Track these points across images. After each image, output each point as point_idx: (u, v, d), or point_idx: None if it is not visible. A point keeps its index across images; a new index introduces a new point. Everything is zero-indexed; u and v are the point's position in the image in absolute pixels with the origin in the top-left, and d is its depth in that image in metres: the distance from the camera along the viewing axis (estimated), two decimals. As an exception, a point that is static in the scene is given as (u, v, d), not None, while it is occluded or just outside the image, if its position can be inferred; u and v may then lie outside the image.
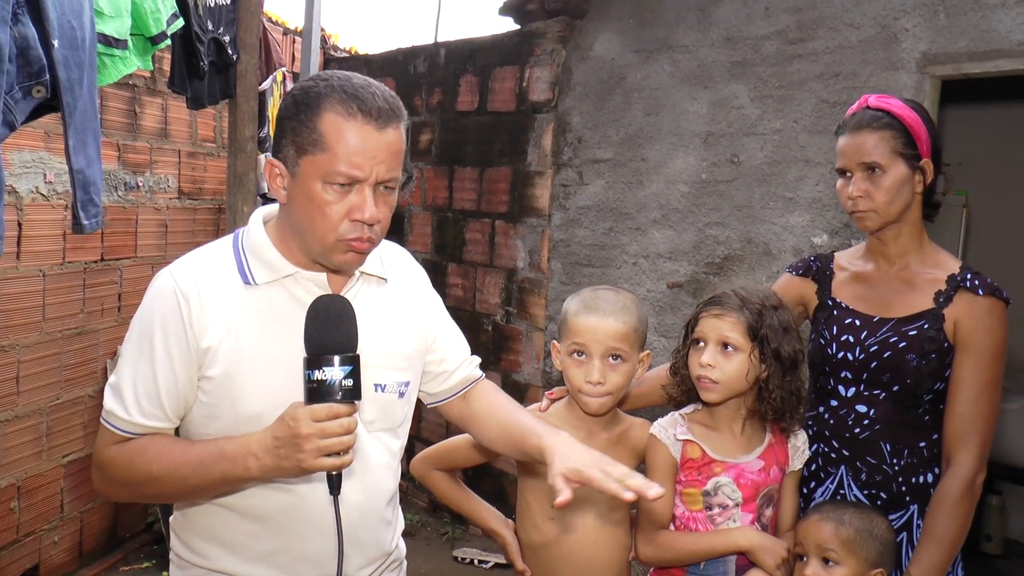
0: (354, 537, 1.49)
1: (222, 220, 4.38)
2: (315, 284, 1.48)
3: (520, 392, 4.13)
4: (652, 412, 2.01)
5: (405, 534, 1.76)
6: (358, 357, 1.34)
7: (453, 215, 4.56)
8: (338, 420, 1.30)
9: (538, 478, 1.87)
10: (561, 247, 4.04)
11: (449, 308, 1.83)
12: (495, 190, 4.33)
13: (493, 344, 4.33)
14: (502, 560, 1.98)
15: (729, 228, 3.45)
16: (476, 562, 4.06)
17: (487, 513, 2.01)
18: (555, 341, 1.92)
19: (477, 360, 1.78)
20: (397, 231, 4.70)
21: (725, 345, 1.81)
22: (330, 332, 1.32)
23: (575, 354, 1.85)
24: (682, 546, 1.85)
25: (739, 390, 1.83)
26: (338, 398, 1.30)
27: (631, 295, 1.92)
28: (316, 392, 1.30)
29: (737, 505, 1.83)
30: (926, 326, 1.85)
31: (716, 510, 1.84)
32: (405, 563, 1.77)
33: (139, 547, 4.10)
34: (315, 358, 1.31)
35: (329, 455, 1.31)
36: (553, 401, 1.98)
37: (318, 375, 1.30)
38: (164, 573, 3.79)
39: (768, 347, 1.79)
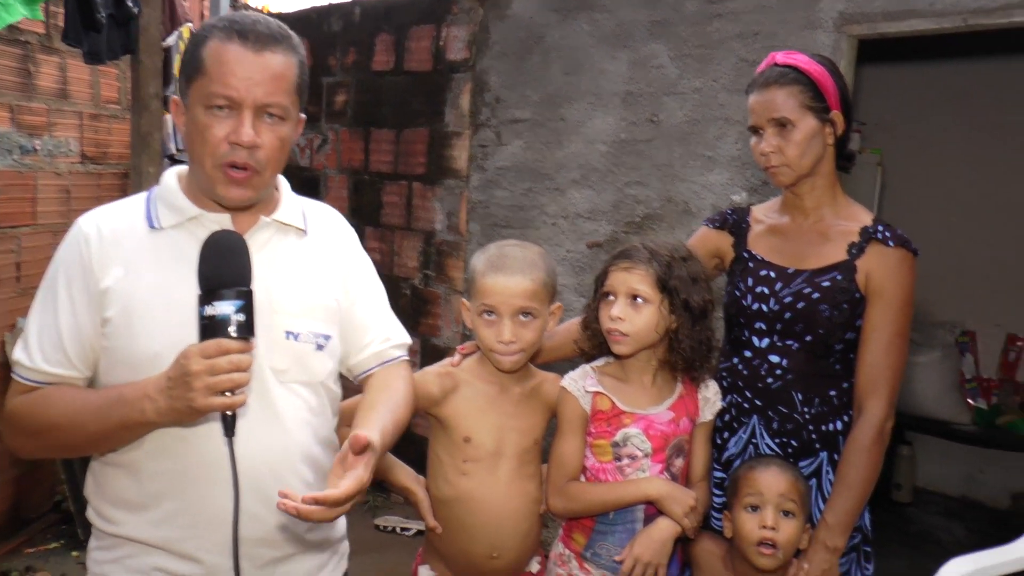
0: (263, 493, 1.46)
1: (129, 185, 4.28)
2: (219, 226, 1.48)
3: (440, 357, 4.13)
4: (564, 367, 2.05)
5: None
6: (250, 292, 1.34)
7: (370, 177, 4.54)
8: (228, 356, 1.29)
9: (448, 432, 1.91)
10: (480, 209, 4.06)
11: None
12: (412, 152, 4.31)
13: (412, 308, 4.34)
14: (423, 527, 1.99)
15: (649, 187, 3.51)
16: (398, 530, 4.10)
17: (398, 470, 2.02)
18: (464, 300, 1.94)
19: (403, 344, 1.76)
20: (313, 194, 4.63)
21: (635, 297, 1.83)
22: (220, 267, 1.33)
23: (485, 314, 1.86)
24: (591, 497, 1.90)
25: (649, 342, 1.86)
26: (231, 334, 1.30)
27: (538, 248, 1.94)
28: (208, 328, 1.31)
29: (646, 456, 1.87)
30: (839, 277, 1.91)
31: (625, 461, 1.88)
32: (347, 546, 1.74)
33: (45, 528, 4.00)
34: (206, 294, 1.32)
35: (222, 394, 1.30)
36: (465, 356, 2.00)
37: (209, 311, 1.30)
38: (73, 553, 3.73)
39: (677, 298, 1.82)
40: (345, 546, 1.75)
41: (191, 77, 1.43)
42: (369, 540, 4.08)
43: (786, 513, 1.83)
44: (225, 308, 1.30)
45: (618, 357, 1.92)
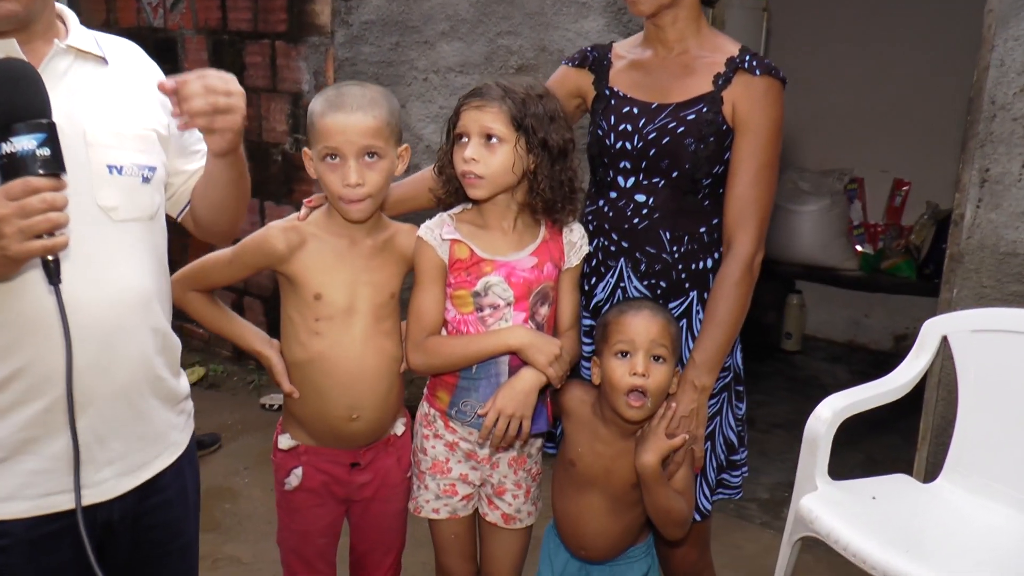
0: (106, 343, 1.40)
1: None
2: (3, 54, 1.34)
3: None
4: (422, 218, 1.95)
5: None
6: (52, 124, 1.23)
7: (229, 37, 4.24)
8: (40, 195, 1.19)
9: (297, 290, 1.84)
10: (347, 67, 3.84)
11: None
12: (272, 8, 4.03)
13: (283, 175, 4.15)
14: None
15: (521, 37, 3.36)
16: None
17: (250, 333, 1.95)
18: (306, 149, 1.83)
19: None
20: (170, 59, 4.34)
21: (488, 137, 1.77)
22: (12, 98, 1.21)
23: (328, 158, 1.77)
24: (450, 350, 1.86)
25: (506, 184, 1.81)
26: (38, 171, 1.20)
27: (380, 88, 1.84)
28: (9, 168, 1.20)
29: (509, 304, 1.84)
30: (704, 109, 1.86)
31: (487, 311, 1.85)
32: (191, 404, 1.70)
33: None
34: (0, 130, 1.20)
35: (39, 237, 1.20)
36: (313, 209, 1.90)
37: (6, 148, 1.20)
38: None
39: (534, 137, 1.77)
40: (190, 405, 1.70)
41: None
42: (254, 420, 4.01)
43: (657, 358, 1.79)
44: (25, 143, 1.20)
45: (476, 203, 1.87)
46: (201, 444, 3.48)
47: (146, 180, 1.49)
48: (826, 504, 2.18)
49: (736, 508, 3.31)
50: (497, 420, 1.80)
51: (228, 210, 1.66)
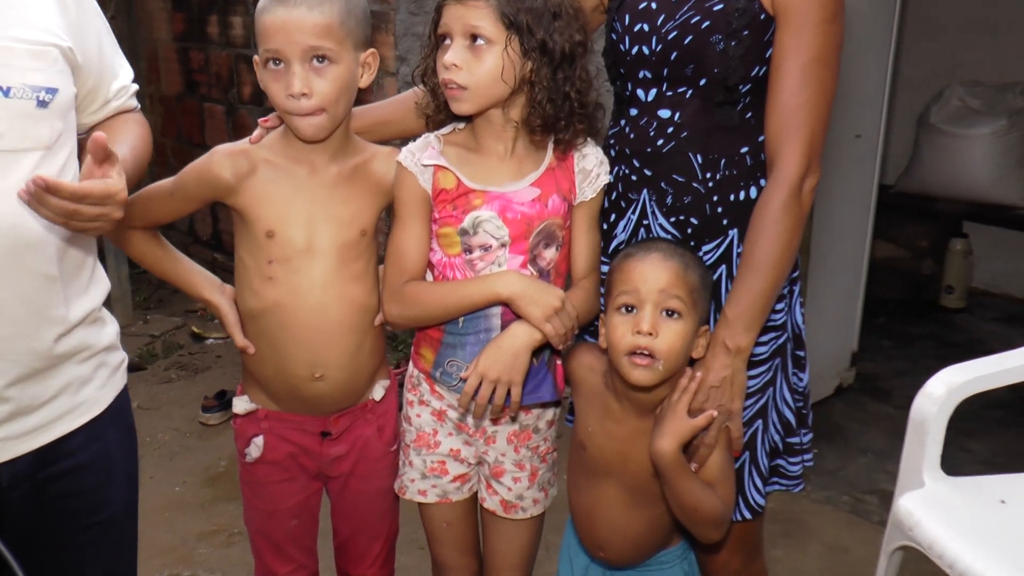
0: None
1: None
2: None
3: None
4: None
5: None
6: None
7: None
8: None
9: (248, 227, 1.63)
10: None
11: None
12: None
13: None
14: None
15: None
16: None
17: (199, 278, 1.73)
18: (256, 57, 1.60)
19: (135, 88, 1.59)
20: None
21: (474, 38, 1.51)
22: None
23: (271, 63, 1.54)
24: (431, 298, 1.61)
25: (496, 96, 1.54)
26: None
27: None
28: None
29: (503, 245, 1.58)
30: None
31: (477, 253, 1.59)
32: (121, 357, 1.54)
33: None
34: None
35: None
36: (268, 130, 1.67)
37: None
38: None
39: (531, 37, 1.50)
40: (119, 358, 1.53)
41: None
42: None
43: (670, 313, 1.46)
44: None
45: (468, 121, 1.61)
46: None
47: (43, 104, 1.31)
48: (932, 506, 1.73)
49: (851, 502, 2.86)
50: (480, 386, 1.53)
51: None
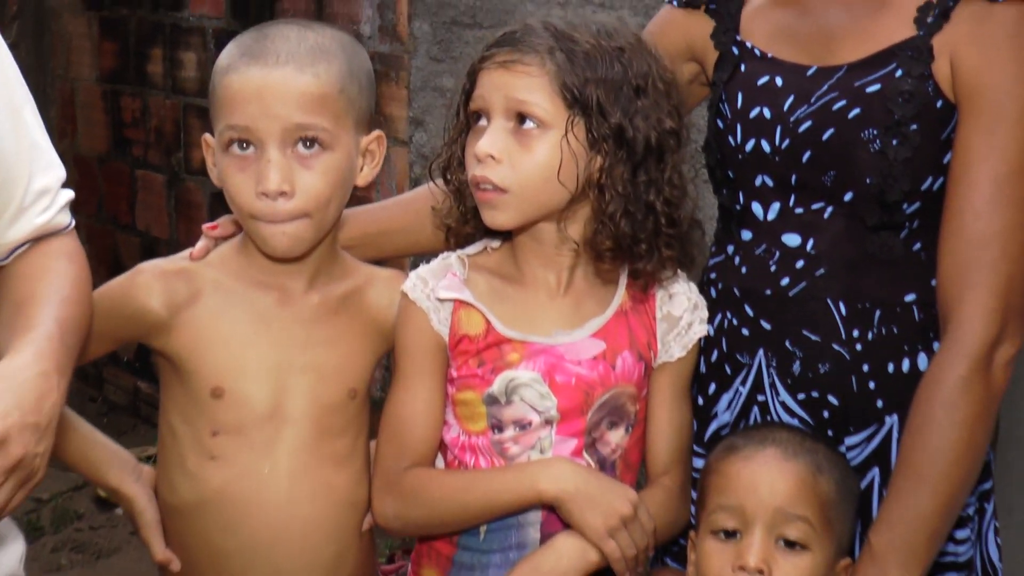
0: None
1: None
2: None
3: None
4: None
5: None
6: None
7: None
8: None
9: (185, 382, 1.34)
10: None
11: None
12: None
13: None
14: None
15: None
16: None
17: (103, 454, 1.41)
18: (206, 135, 1.37)
19: (67, 197, 1.25)
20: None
21: (522, 119, 1.28)
22: None
23: (235, 147, 1.28)
24: (442, 493, 1.34)
25: (550, 203, 1.29)
26: None
27: (339, 33, 1.38)
28: None
29: (549, 422, 1.32)
30: (900, 73, 1.34)
31: (510, 431, 1.32)
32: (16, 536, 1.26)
33: None
34: None
35: None
36: (218, 241, 1.39)
37: None
38: None
39: (603, 120, 1.27)
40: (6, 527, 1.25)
41: None
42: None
43: (790, 544, 1.22)
44: None
45: (504, 238, 1.36)
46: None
47: None
48: None
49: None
50: None
51: None
